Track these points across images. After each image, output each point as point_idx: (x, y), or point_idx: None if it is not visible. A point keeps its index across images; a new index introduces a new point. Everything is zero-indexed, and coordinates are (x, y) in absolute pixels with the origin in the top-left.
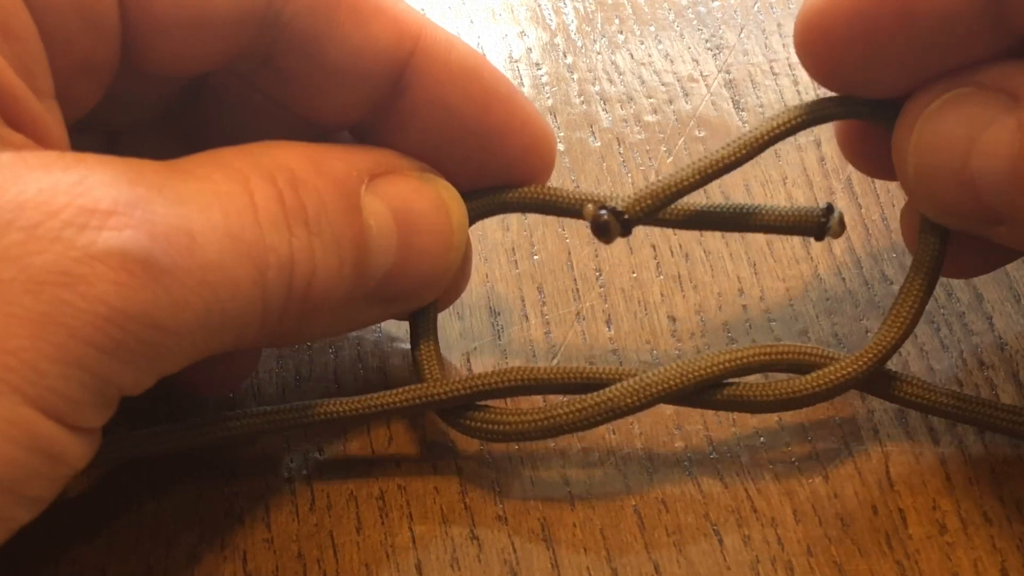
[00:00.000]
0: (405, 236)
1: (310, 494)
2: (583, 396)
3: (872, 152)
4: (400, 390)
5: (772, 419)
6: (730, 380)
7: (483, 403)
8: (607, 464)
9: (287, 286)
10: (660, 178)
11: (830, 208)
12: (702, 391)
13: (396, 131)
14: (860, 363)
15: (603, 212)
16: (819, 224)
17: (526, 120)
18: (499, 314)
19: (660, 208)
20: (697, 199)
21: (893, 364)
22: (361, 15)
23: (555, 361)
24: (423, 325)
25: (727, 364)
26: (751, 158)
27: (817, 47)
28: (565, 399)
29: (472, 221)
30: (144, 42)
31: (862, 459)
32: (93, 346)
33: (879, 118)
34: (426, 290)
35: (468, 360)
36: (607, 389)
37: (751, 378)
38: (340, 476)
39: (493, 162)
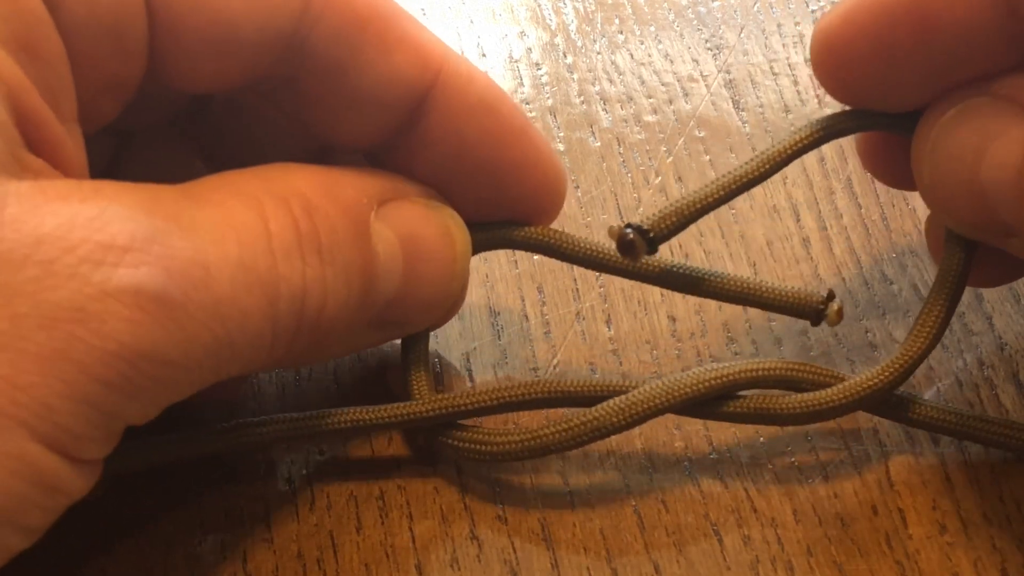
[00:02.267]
0: (410, 263)
1: (310, 494)
2: (569, 417)
3: (895, 164)
4: (383, 408)
5: None
6: (741, 393)
7: (469, 422)
8: (607, 464)
9: (298, 316)
10: (685, 195)
11: (831, 295)
12: (700, 404)
13: (409, 157)
14: (873, 381)
15: (628, 231)
16: (817, 311)
17: (539, 158)
18: (499, 314)
19: (685, 225)
20: (713, 236)
21: None
22: (386, 43)
23: (555, 361)
24: (415, 350)
25: (715, 382)
26: (774, 173)
27: (835, 64)
28: (551, 421)
29: (475, 252)
30: (169, 62)
31: (862, 459)
32: (103, 383)
33: (899, 129)
34: (426, 315)
35: (468, 360)
36: (593, 409)
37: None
38: (340, 476)
39: (502, 197)
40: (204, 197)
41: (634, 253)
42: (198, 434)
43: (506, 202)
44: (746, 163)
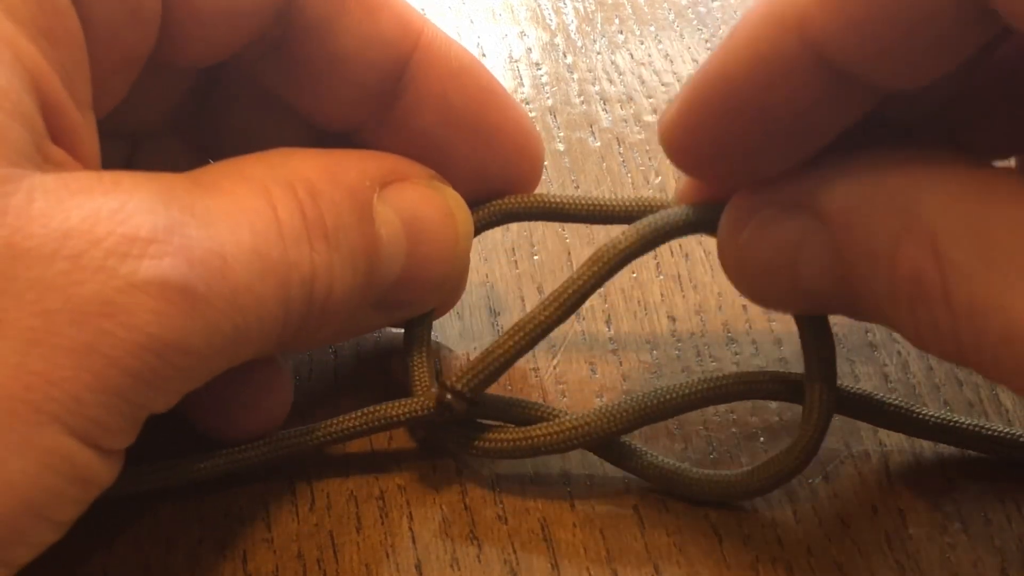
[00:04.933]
0: (413, 245)
1: (310, 494)
2: (561, 420)
3: None
4: (373, 408)
5: (772, 419)
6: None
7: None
8: (607, 464)
9: (307, 300)
10: (488, 347)
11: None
12: (642, 469)
13: (395, 132)
14: (788, 458)
15: (447, 395)
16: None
17: (518, 122)
18: (499, 314)
19: (496, 376)
20: (699, 261)
21: (893, 365)
22: (369, 5)
23: (555, 361)
24: (417, 333)
25: (704, 391)
26: (572, 312)
27: (684, 156)
28: (544, 424)
29: (477, 231)
30: (179, 30)
31: (862, 459)
32: (131, 375)
33: (704, 230)
34: (429, 297)
35: (468, 360)
36: (586, 414)
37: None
38: (340, 476)
39: (488, 164)
40: (215, 185)
41: (451, 412)
42: (188, 462)
43: (490, 171)
44: (546, 305)
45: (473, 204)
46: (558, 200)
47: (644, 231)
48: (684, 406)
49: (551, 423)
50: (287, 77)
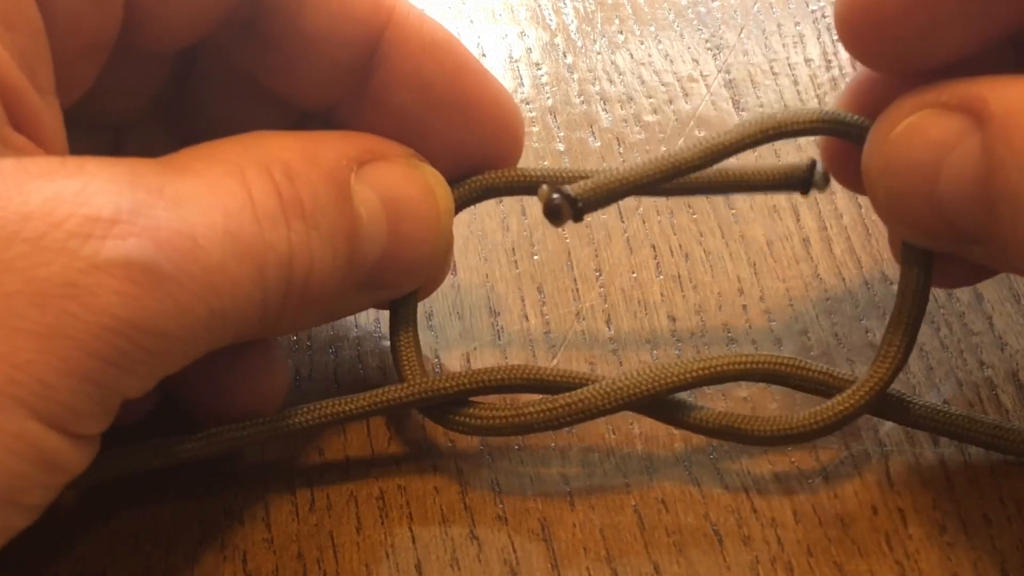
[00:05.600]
0: (394, 224)
1: (310, 494)
2: (555, 396)
3: (856, 169)
4: (370, 393)
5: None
6: (726, 421)
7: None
8: (607, 464)
9: (286, 281)
10: (618, 169)
11: (813, 163)
12: (670, 409)
13: (372, 111)
14: (855, 399)
15: (556, 196)
16: (803, 179)
17: (496, 96)
18: (499, 314)
19: (614, 199)
20: (713, 237)
21: None
22: None
23: (555, 361)
24: (403, 314)
25: (701, 372)
26: (714, 163)
27: (865, 22)
28: (538, 398)
29: (458, 208)
30: (143, 14)
31: (862, 459)
32: (98, 357)
33: (851, 137)
34: (413, 277)
35: (468, 360)
36: (579, 391)
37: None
38: (340, 476)
39: (466, 140)
40: (186, 167)
41: (559, 218)
42: (176, 440)
43: (470, 147)
44: (688, 148)
45: (453, 181)
46: (538, 173)
47: (811, 112)
48: (684, 384)
49: (544, 400)
50: (259, 58)
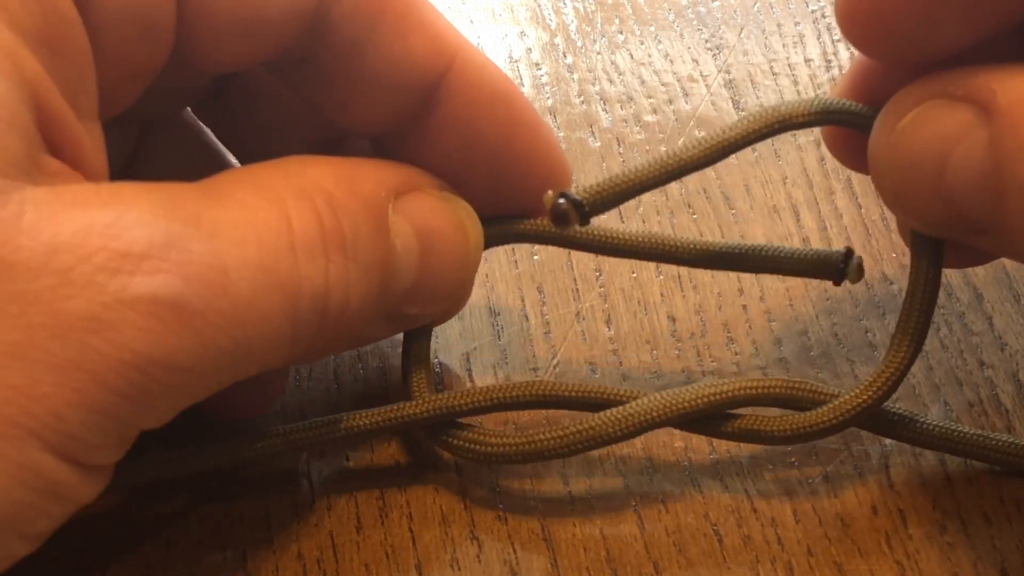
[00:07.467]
0: (425, 256)
1: (310, 494)
2: (565, 425)
3: (858, 149)
4: (378, 410)
5: None
6: (734, 412)
7: (468, 421)
8: (607, 464)
9: (321, 314)
10: (622, 172)
11: (849, 252)
12: (696, 420)
13: (419, 146)
14: (862, 398)
15: (562, 200)
16: (838, 269)
17: (548, 152)
18: (499, 314)
19: (620, 201)
20: (713, 236)
21: None
22: (403, 26)
23: (555, 361)
24: (417, 342)
25: (713, 398)
26: (719, 160)
27: (867, 13)
28: (544, 422)
29: (487, 246)
30: (195, 45)
31: (862, 459)
32: (116, 392)
33: (857, 127)
34: (436, 309)
35: (468, 360)
36: (591, 417)
37: (749, 410)
38: (340, 476)
39: (509, 189)
40: (226, 195)
41: (566, 223)
42: (196, 450)
43: (512, 194)
44: (691, 146)
45: (484, 218)
46: (570, 230)
47: (814, 103)
48: (696, 412)
49: (552, 429)
50: (313, 86)
